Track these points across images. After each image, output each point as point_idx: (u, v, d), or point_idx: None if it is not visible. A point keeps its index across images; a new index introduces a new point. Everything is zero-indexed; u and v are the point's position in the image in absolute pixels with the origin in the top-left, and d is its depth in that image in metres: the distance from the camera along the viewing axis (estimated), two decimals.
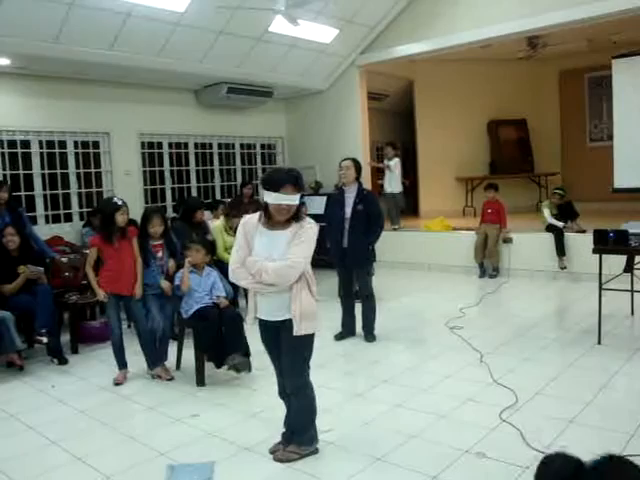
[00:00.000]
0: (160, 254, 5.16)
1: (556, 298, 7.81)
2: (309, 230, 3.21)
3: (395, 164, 10.13)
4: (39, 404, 4.58)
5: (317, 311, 3.30)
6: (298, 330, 3.22)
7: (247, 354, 4.82)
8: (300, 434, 3.46)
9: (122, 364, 5.03)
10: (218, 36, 8.28)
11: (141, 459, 3.56)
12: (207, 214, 7.51)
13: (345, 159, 5.85)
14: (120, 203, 4.87)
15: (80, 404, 4.51)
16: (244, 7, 7.58)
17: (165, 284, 5.10)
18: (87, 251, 6.13)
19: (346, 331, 6.01)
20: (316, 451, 3.50)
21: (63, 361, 5.54)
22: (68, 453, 3.67)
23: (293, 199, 3.14)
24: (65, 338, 5.93)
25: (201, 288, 5.04)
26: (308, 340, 3.32)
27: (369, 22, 9.64)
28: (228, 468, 3.38)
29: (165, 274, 5.17)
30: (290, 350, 3.33)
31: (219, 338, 4.76)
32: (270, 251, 3.20)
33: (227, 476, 3.30)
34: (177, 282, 5.01)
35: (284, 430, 3.58)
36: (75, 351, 5.91)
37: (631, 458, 3.08)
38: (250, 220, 3.33)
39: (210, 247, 5.48)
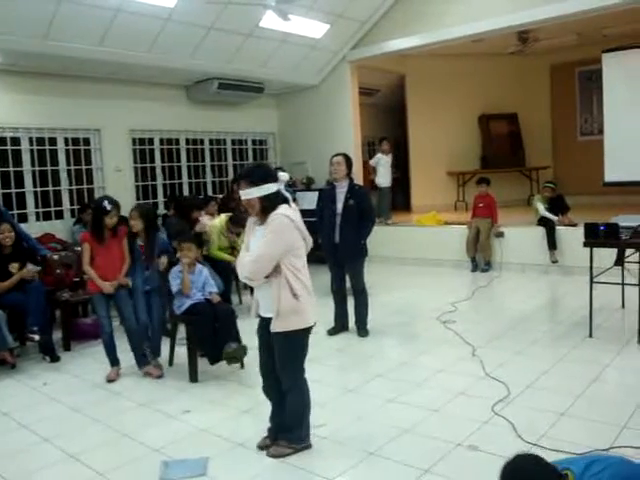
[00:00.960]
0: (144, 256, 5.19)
1: (547, 291, 7.85)
2: (272, 223, 3.18)
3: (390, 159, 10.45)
4: (31, 402, 4.57)
5: (302, 309, 3.25)
6: (273, 327, 3.25)
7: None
8: (291, 430, 3.47)
9: (114, 361, 5.02)
10: (208, 31, 8.25)
11: (134, 456, 3.56)
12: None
13: (336, 155, 5.85)
14: (109, 208, 4.81)
15: (72, 401, 4.50)
16: (234, 2, 7.55)
17: (162, 260, 5.16)
18: (78, 248, 6.14)
19: (339, 326, 6.02)
20: (309, 446, 3.50)
21: (55, 358, 5.53)
22: (61, 450, 3.67)
23: (246, 193, 3.21)
24: (57, 335, 5.91)
25: (193, 285, 5.04)
26: (293, 338, 3.29)
27: (360, 17, 9.63)
28: (221, 464, 3.39)
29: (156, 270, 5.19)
30: (276, 347, 3.34)
31: (213, 334, 4.76)
32: (255, 247, 3.25)
33: (221, 472, 3.30)
34: (175, 289, 4.99)
35: (270, 426, 3.58)
36: (67, 348, 5.89)
37: (622, 450, 3.12)
38: (251, 219, 3.41)
39: (199, 241, 5.51)
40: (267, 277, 3.21)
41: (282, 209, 3.22)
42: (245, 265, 3.21)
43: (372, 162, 10.54)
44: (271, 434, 3.55)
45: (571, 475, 2.17)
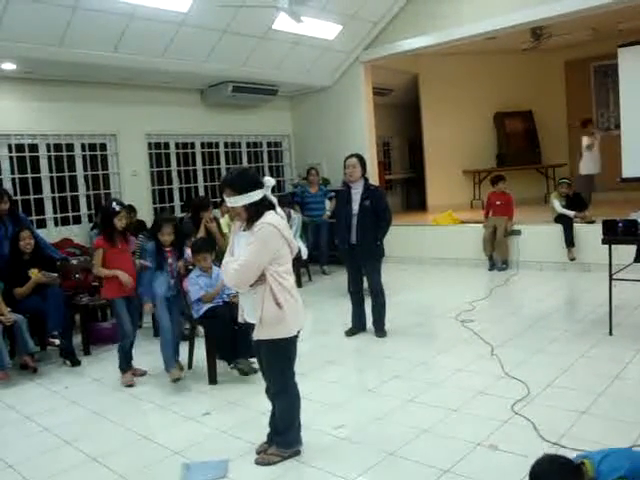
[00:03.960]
0: (170, 260, 5.18)
1: (566, 289, 7.79)
2: (258, 232, 3.14)
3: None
4: (53, 405, 4.62)
5: (286, 318, 3.20)
6: (255, 335, 3.26)
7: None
8: (280, 436, 3.47)
9: (128, 367, 5.06)
10: (222, 35, 8.29)
11: (155, 458, 3.59)
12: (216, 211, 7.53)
13: (350, 156, 5.84)
14: (118, 209, 4.86)
15: (93, 405, 4.55)
16: (247, 5, 7.58)
17: (180, 264, 5.19)
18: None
19: (357, 327, 6.02)
20: (298, 452, 3.48)
21: (75, 362, 5.58)
22: (83, 453, 3.71)
23: (230, 201, 3.20)
24: (77, 340, 5.97)
25: (212, 289, 5.06)
26: (277, 347, 3.27)
27: (372, 17, 9.62)
28: (242, 466, 3.40)
29: (176, 276, 5.20)
30: (261, 354, 3.37)
31: (232, 336, 4.77)
32: (239, 253, 3.25)
33: (241, 474, 3.32)
34: (194, 296, 5.01)
35: (269, 431, 3.57)
36: (87, 352, 5.95)
37: None
38: (236, 223, 3.40)
39: (212, 244, 5.55)
40: (252, 285, 3.20)
41: (268, 217, 3.19)
42: (230, 273, 3.19)
43: (586, 142, 9.88)
44: (269, 439, 3.55)
45: (588, 463, 2.21)
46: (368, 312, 6.03)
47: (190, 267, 5.26)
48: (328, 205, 9.58)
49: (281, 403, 3.45)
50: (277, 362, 3.35)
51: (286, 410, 3.45)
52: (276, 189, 11.33)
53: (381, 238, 5.83)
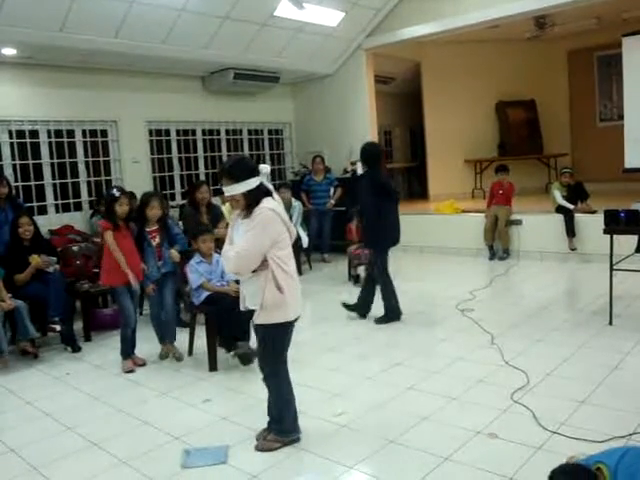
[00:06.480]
0: (157, 240, 5.15)
1: (566, 279, 7.79)
2: (257, 217, 3.18)
3: None
4: (54, 391, 4.64)
5: (286, 303, 3.23)
6: (255, 319, 3.30)
7: None
8: (275, 423, 3.49)
9: (130, 354, 5.09)
10: (223, 21, 8.24)
11: (156, 443, 3.60)
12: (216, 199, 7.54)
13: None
14: (117, 195, 4.85)
15: (94, 390, 4.57)
16: None
17: (174, 253, 5.14)
18: (97, 240, 6.19)
19: (361, 312, 6.10)
20: (297, 440, 3.48)
21: (76, 348, 5.60)
22: (84, 439, 3.72)
23: (227, 190, 3.23)
24: (77, 326, 5.99)
25: (212, 275, 5.06)
26: (274, 331, 3.31)
27: (375, 4, 9.55)
28: (241, 452, 3.41)
29: (160, 260, 5.18)
30: (257, 338, 3.41)
31: (232, 322, 4.76)
32: (239, 241, 3.27)
33: (241, 460, 3.33)
34: (194, 284, 5.01)
35: (269, 419, 3.58)
36: (88, 339, 5.96)
37: None
38: (235, 212, 3.43)
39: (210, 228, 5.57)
40: (254, 271, 3.22)
41: (266, 202, 3.23)
42: (230, 259, 3.22)
43: None
44: (269, 426, 3.56)
45: (604, 468, 2.15)
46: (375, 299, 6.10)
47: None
48: (332, 193, 9.57)
49: (272, 387, 3.47)
50: (272, 346, 3.38)
51: (277, 394, 3.47)
52: (277, 177, 11.32)
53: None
